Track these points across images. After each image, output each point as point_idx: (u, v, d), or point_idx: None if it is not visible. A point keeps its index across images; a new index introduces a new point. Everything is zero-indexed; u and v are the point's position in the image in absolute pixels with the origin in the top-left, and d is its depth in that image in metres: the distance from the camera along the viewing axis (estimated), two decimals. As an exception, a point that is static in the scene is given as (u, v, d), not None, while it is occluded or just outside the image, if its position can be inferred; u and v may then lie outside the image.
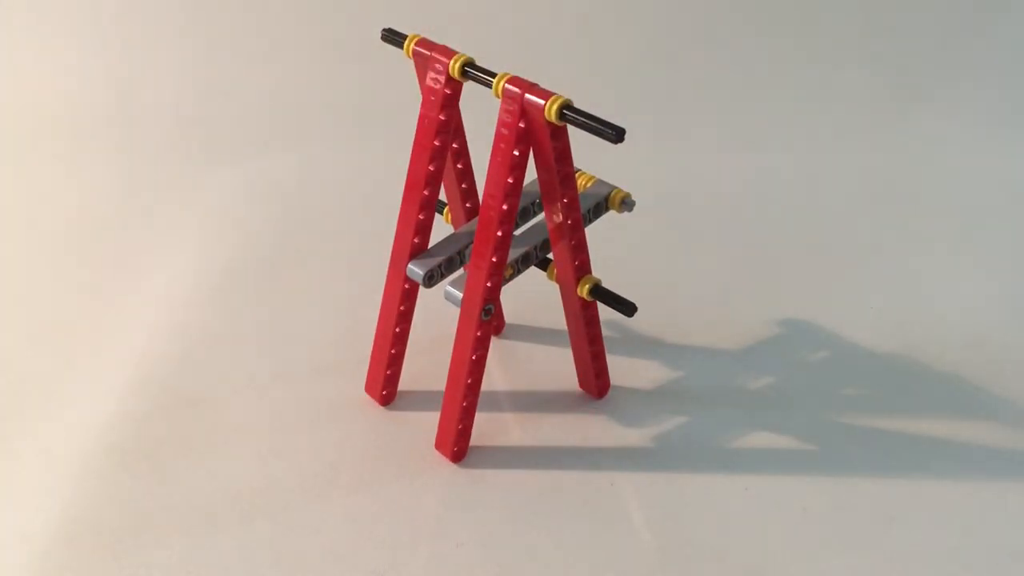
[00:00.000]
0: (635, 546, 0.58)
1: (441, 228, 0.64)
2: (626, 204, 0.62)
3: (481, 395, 0.62)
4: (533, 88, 0.54)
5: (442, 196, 0.64)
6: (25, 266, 0.83)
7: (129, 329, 0.74)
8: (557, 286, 0.63)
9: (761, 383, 0.69)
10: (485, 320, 0.59)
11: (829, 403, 0.68)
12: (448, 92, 0.58)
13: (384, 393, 0.67)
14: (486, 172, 0.56)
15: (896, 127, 0.99)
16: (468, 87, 0.58)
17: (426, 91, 0.59)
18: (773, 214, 0.89)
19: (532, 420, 0.66)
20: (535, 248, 0.61)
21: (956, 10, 1.01)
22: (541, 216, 0.63)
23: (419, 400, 0.67)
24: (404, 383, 0.68)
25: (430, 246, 0.62)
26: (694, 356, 0.72)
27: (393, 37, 0.61)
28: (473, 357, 0.60)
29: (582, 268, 0.61)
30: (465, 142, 0.63)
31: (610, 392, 0.68)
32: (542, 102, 0.53)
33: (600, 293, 0.61)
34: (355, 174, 0.93)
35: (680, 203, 0.90)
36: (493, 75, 0.55)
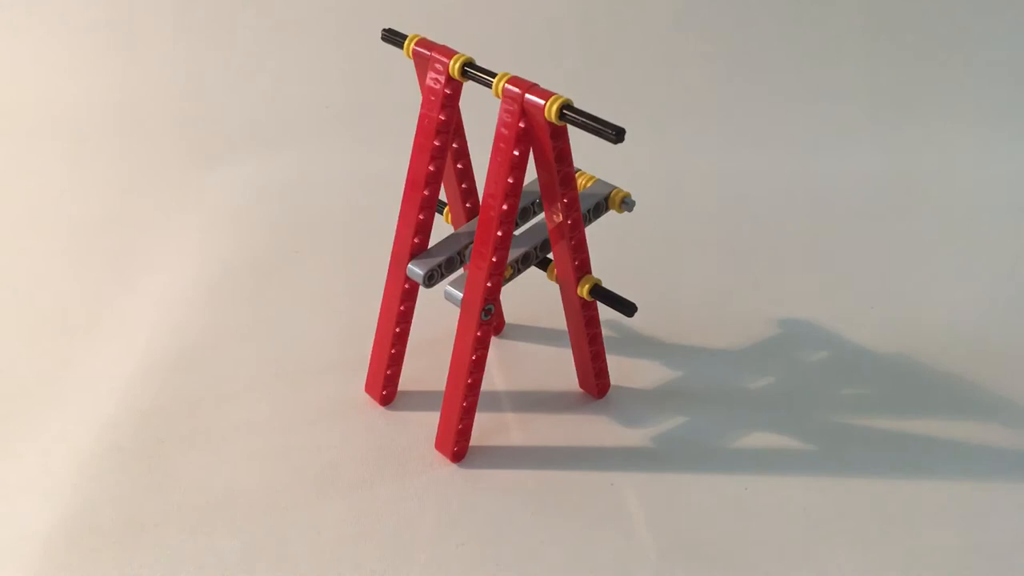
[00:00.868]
0: (635, 546, 0.58)
1: (441, 228, 0.64)
2: (626, 204, 0.62)
3: (481, 395, 0.62)
4: (533, 88, 0.54)
5: (442, 196, 0.64)
6: (25, 266, 0.83)
7: (129, 329, 0.74)
8: (557, 286, 0.63)
9: (761, 383, 0.69)
10: (485, 320, 0.59)
11: (829, 403, 0.68)
12: (448, 92, 0.58)
13: (384, 393, 0.67)
14: (486, 172, 0.56)
15: (896, 127, 0.99)
16: (468, 87, 0.58)
17: (426, 91, 0.59)
18: (773, 214, 0.89)
19: (532, 420, 0.66)
20: (535, 248, 0.61)
21: (957, 10, 1.01)
22: (541, 216, 0.63)
23: (419, 400, 0.67)
24: (404, 383, 0.68)
25: (430, 246, 0.62)
26: (694, 356, 0.72)
27: (393, 37, 0.61)
28: (473, 357, 0.60)
29: (582, 267, 0.61)
30: (465, 142, 0.63)
31: (610, 392, 0.68)
32: (542, 102, 0.53)
33: (600, 293, 0.61)
34: (355, 174, 0.93)
35: (680, 203, 0.90)
36: (493, 75, 0.55)
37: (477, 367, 0.60)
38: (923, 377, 0.70)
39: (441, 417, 0.62)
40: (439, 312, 0.67)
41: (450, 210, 0.67)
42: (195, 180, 0.94)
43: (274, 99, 1.02)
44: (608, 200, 0.62)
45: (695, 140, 0.98)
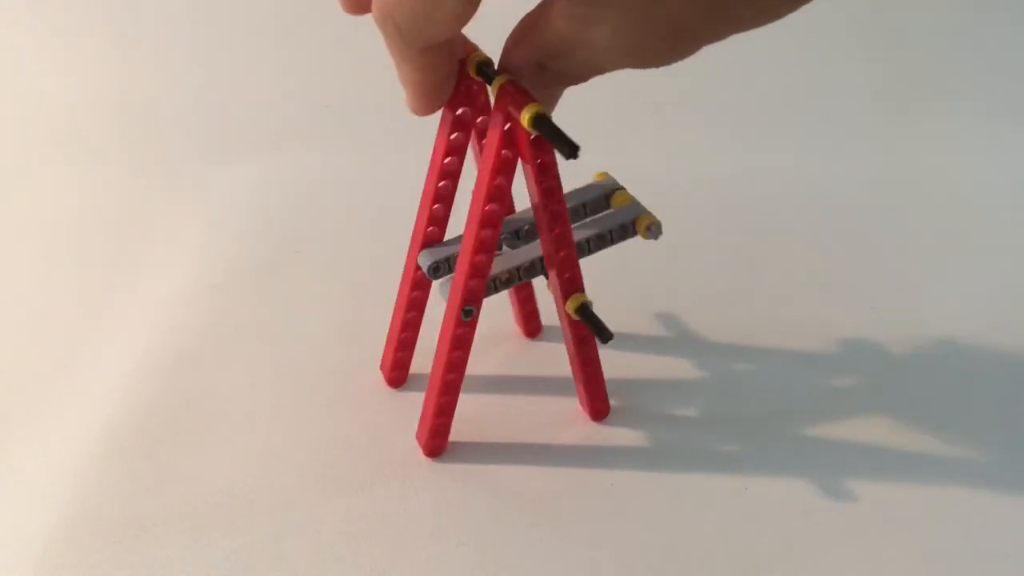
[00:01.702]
0: (635, 546, 0.58)
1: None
2: (651, 231, 0.59)
3: (487, 392, 0.61)
4: (520, 94, 0.52)
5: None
6: (25, 266, 0.83)
7: (129, 329, 0.74)
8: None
9: (761, 383, 0.69)
10: (466, 320, 0.59)
11: (829, 403, 0.68)
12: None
13: (392, 375, 0.67)
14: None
15: (896, 127, 0.99)
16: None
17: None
18: (773, 214, 0.89)
19: (533, 420, 0.66)
20: (541, 259, 0.61)
21: (957, 9, 1.01)
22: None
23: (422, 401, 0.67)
24: (411, 385, 0.68)
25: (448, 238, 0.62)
26: (694, 356, 0.72)
27: None
28: (452, 355, 0.59)
29: (572, 284, 0.59)
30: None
31: (610, 392, 0.67)
32: (519, 110, 0.52)
33: (584, 313, 0.59)
34: (356, 174, 0.93)
35: (680, 203, 0.90)
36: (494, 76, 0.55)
37: (455, 367, 0.60)
38: (924, 377, 0.70)
39: (422, 410, 0.62)
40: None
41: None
42: (195, 180, 0.94)
43: (275, 99, 1.02)
44: (635, 223, 0.60)
45: (695, 140, 0.98)
